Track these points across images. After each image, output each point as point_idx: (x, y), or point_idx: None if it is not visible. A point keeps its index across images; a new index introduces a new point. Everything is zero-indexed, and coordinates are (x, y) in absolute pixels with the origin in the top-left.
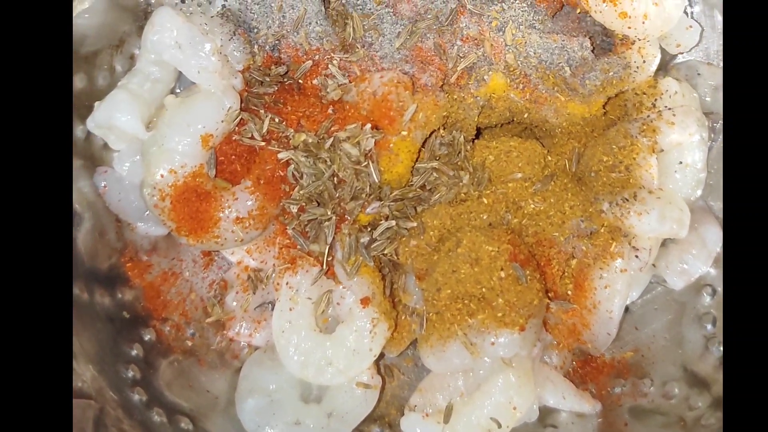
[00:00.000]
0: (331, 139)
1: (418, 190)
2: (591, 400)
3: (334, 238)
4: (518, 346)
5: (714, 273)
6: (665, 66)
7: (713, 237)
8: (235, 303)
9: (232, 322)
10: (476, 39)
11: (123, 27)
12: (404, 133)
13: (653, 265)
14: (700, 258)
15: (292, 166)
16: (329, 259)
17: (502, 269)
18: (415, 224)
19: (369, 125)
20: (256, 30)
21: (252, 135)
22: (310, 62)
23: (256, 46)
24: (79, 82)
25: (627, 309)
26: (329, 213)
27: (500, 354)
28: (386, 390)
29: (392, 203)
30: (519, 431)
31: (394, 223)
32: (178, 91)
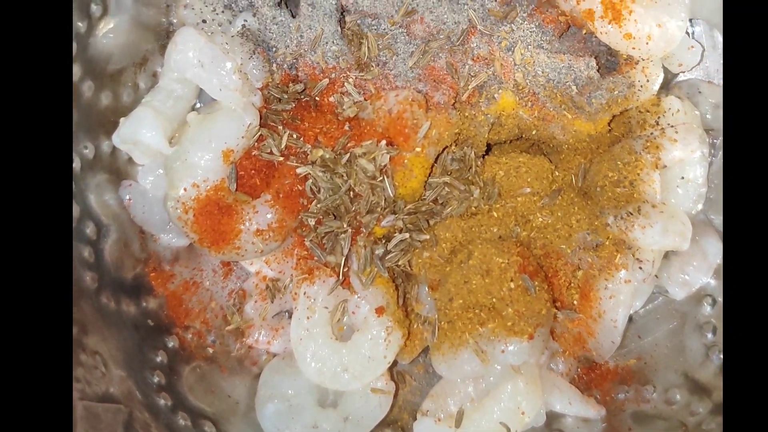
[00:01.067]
0: (348, 155)
1: (430, 204)
2: (596, 405)
3: (349, 249)
4: (527, 354)
5: (714, 284)
6: (667, 84)
7: (713, 249)
8: (253, 311)
9: (251, 330)
10: (486, 59)
11: (146, 46)
12: (418, 149)
13: (656, 276)
14: (701, 269)
15: (310, 180)
16: (345, 270)
17: (511, 280)
18: (428, 237)
19: (384, 142)
20: (274, 49)
21: (271, 150)
22: (326, 80)
23: (274, 65)
24: (104, 99)
25: (630, 318)
26: (345, 226)
27: (510, 361)
28: (399, 395)
29: (406, 216)
30: None
31: (407, 235)
32: (198, 105)
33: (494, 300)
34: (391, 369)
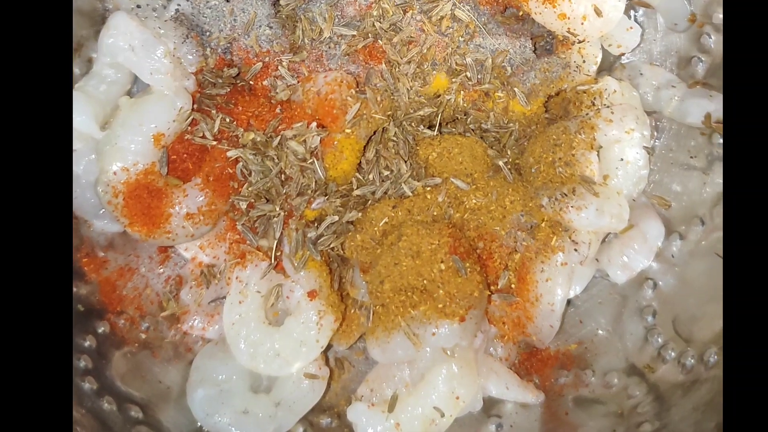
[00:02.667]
0: (279, 138)
1: (362, 185)
2: (534, 390)
3: (282, 233)
4: (458, 336)
5: (655, 267)
6: (610, 67)
7: (654, 232)
8: (189, 297)
9: (186, 316)
10: (421, 39)
11: (81, 31)
12: (348, 131)
13: (596, 259)
14: (642, 252)
15: (241, 163)
16: (278, 253)
17: (442, 261)
18: (358, 215)
19: (314, 124)
20: (208, 33)
21: (203, 134)
22: (260, 64)
23: (208, 49)
24: None
25: (571, 303)
26: (277, 209)
27: (441, 344)
28: (337, 382)
29: (337, 199)
30: (463, 421)
31: (337, 218)
32: (135, 92)
33: (425, 282)
34: (326, 354)
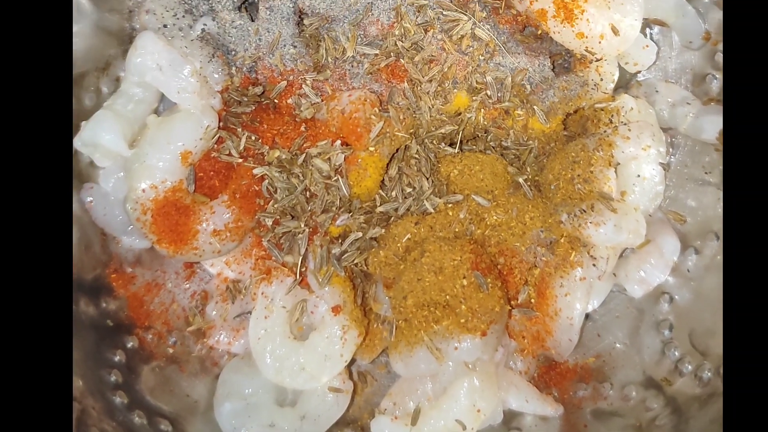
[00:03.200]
0: (303, 155)
1: (385, 202)
2: (553, 403)
3: (306, 249)
4: (480, 350)
5: (672, 281)
6: (626, 84)
7: (670, 247)
8: (215, 312)
9: (212, 331)
10: (442, 58)
11: (109, 50)
12: (372, 149)
13: (614, 274)
14: (658, 267)
15: (267, 181)
16: (302, 269)
17: (464, 277)
18: (381, 231)
19: (339, 142)
20: (234, 52)
21: (230, 152)
22: (284, 83)
23: (234, 68)
24: None
25: (590, 317)
26: (302, 226)
27: (463, 358)
28: (360, 396)
29: (361, 215)
30: None
31: (361, 234)
32: (161, 111)
33: (448, 297)
34: (349, 368)
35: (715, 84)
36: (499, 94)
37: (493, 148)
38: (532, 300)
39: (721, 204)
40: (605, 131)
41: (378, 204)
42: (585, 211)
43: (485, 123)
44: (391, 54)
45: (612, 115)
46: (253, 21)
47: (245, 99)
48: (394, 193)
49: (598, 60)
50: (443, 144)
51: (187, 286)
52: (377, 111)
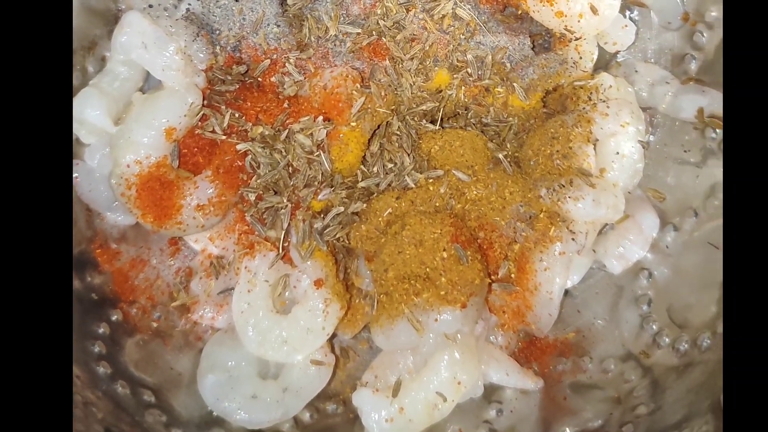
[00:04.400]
0: (286, 131)
1: (367, 177)
2: (533, 377)
3: (289, 224)
4: (460, 322)
5: (650, 257)
6: (606, 65)
7: (649, 223)
8: (199, 288)
9: (196, 306)
10: (423, 37)
11: (94, 30)
12: (353, 124)
13: (593, 250)
14: (637, 243)
15: (250, 156)
16: (285, 244)
17: (444, 250)
18: (363, 205)
19: (321, 117)
20: (218, 32)
21: (213, 129)
22: (268, 61)
23: (218, 47)
24: None
25: (569, 293)
26: (285, 201)
27: (443, 330)
28: (342, 371)
29: (343, 190)
30: (465, 407)
31: (343, 209)
32: (147, 89)
33: (428, 270)
34: (331, 342)
35: (694, 64)
36: (479, 72)
37: (474, 124)
38: (512, 275)
39: (704, 181)
40: (584, 108)
41: (360, 179)
42: (564, 186)
43: (466, 100)
44: (373, 33)
45: (591, 93)
46: (237, 1)
47: (229, 77)
48: (375, 169)
49: (577, 39)
50: (424, 121)
51: (172, 262)
52: (359, 87)
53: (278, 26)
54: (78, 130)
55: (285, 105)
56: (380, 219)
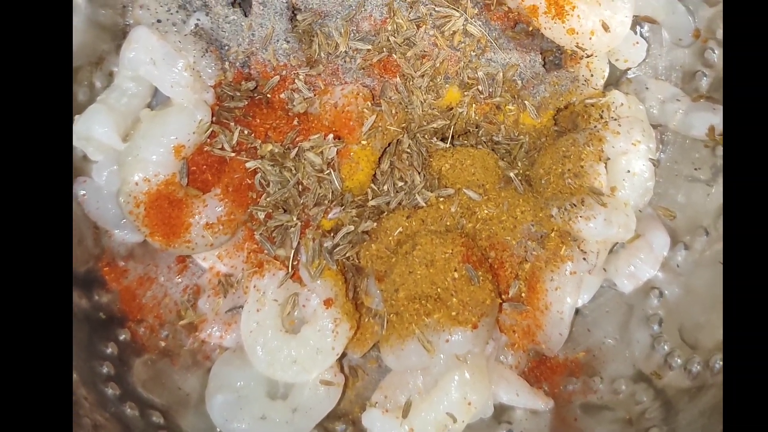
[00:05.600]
0: (296, 149)
1: (377, 196)
2: (544, 397)
3: (299, 242)
4: (471, 343)
5: (661, 276)
6: (616, 81)
7: (660, 242)
8: (207, 306)
9: (204, 325)
10: (434, 54)
11: (102, 45)
12: (364, 142)
13: (604, 269)
14: (648, 262)
15: (260, 174)
16: (294, 263)
17: (455, 270)
18: (373, 224)
19: (331, 135)
20: (227, 47)
21: (222, 146)
22: (277, 77)
23: (227, 63)
24: None
25: (579, 312)
26: (294, 219)
27: (454, 350)
28: (351, 390)
29: (353, 209)
30: (475, 427)
31: (353, 227)
32: (154, 105)
33: (439, 290)
34: (341, 361)
35: (705, 81)
36: (490, 90)
37: (485, 142)
38: (523, 294)
39: (715, 199)
40: (595, 126)
41: (370, 198)
42: (575, 206)
43: (476, 118)
44: (384, 49)
45: (602, 111)
46: (246, 16)
47: (238, 93)
48: (385, 187)
49: (588, 56)
50: (435, 138)
51: (179, 280)
52: (369, 105)
53: (288, 42)
54: (86, 146)
55: (295, 122)
56: (391, 238)
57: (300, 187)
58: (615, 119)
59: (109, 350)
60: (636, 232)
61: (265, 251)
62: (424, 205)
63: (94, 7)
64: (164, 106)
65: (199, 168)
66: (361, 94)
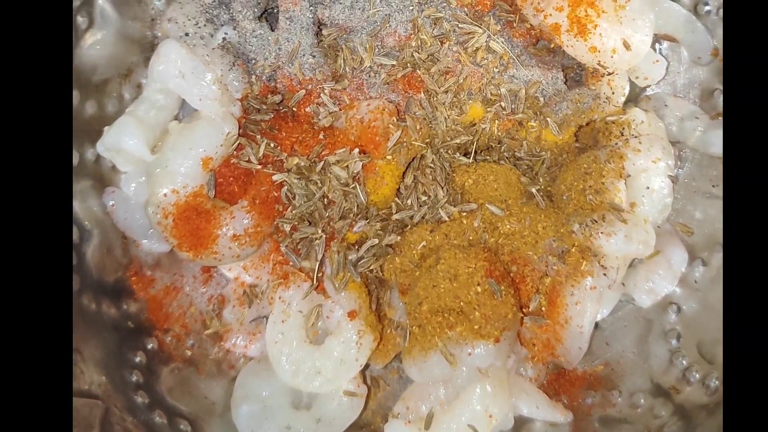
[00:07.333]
0: (322, 163)
1: (401, 210)
2: (563, 410)
3: (323, 255)
4: (493, 356)
5: (679, 292)
6: (635, 98)
7: (678, 258)
8: (232, 316)
9: (229, 334)
10: (457, 70)
11: (131, 58)
12: (389, 157)
13: (623, 284)
14: (666, 278)
15: (286, 187)
16: (319, 275)
17: (478, 284)
18: (397, 238)
19: (357, 150)
20: (254, 61)
21: (249, 158)
22: (303, 91)
23: (253, 76)
24: (89, 108)
25: (598, 326)
26: (319, 232)
27: (476, 364)
28: (373, 400)
29: (377, 223)
30: None
31: (377, 241)
32: (182, 117)
33: (462, 304)
34: (364, 372)
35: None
36: (513, 106)
37: (507, 158)
38: (543, 308)
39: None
40: (616, 144)
41: (394, 211)
42: (596, 222)
43: (499, 134)
44: (408, 65)
45: (623, 128)
46: (272, 31)
47: (264, 107)
48: (409, 201)
49: (609, 74)
50: (458, 154)
51: (205, 290)
52: (395, 120)
53: (313, 57)
54: (115, 158)
55: (321, 136)
56: (414, 252)
57: (326, 200)
58: (635, 137)
59: (137, 359)
60: (655, 248)
61: (291, 263)
62: (447, 219)
63: (124, 20)
64: (192, 119)
65: (226, 180)
66: (387, 109)
